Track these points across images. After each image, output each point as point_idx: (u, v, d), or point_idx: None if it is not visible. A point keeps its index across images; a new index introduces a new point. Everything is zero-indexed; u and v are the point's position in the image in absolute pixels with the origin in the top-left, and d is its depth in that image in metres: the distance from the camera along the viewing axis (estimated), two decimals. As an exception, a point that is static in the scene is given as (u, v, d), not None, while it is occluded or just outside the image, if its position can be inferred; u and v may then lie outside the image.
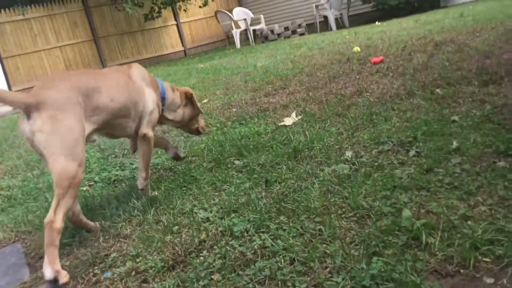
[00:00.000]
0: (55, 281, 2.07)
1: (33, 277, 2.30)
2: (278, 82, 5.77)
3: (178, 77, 8.91)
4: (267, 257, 1.98)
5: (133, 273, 2.10)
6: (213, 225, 2.36)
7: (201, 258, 2.09)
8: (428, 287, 1.58)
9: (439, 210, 2.03)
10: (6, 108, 8.95)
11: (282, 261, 1.91)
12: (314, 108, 4.16)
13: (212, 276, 1.93)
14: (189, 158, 3.58)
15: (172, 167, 3.47)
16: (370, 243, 1.89)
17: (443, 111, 3.25)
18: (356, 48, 6.81)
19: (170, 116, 3.18)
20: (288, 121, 3.90)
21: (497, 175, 2.22)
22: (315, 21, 13.90)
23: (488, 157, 2.44)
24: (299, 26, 13.31)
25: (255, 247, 2.06)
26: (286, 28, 13.29)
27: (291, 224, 2.19)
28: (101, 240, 2.48)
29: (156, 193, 2.92)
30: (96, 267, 2.23)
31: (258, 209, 2.38)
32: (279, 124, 3.86)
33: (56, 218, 2.13)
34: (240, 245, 2.11)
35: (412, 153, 2.69)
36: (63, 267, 2.28)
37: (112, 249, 2.37)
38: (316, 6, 13.63)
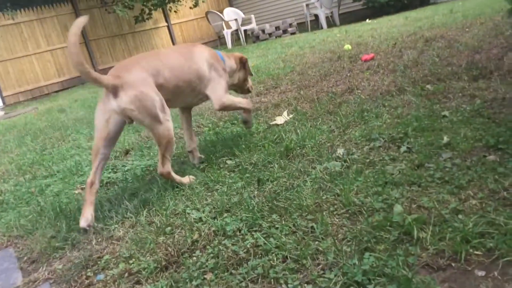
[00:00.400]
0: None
1: (25, 282, 2.28)
2: (270, 81, 5.77)
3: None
4: (260, 255, 1.98)
5: (126, 275, 2.10)
6: (205, 225, 2.35)
7: (194, 258, 2.09)
8: (420, 282, 1.59)
9: (430, 204, 2.04)
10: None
11: (275, 259, 1.91)
12: (306, 107, 4.17)
13: (205, 276, 1.93)
14: (182, 158, 3.57)
15: (165, 168, 3.46)
16: (362, 239, 1.90)
17: (433, 107, 3.27)
18: (347, 46, 6.83)
19: (229, 80, 3.48)
20: (279, 120, 3.90)
21: (487, 169, 2.23)
22: (306, 20, 13.93)
23: (478, 151, 2.46)
24: (290, 25, 13.32)
25: (248, 246, 2.06)
26: (277, 28, 13.30)
27: (283, 222, 2.19)
28: (93, 243, 2.47)
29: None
30: (89, 270, 2.22)
31: (251, 208, 2.38)
32: (271, 123, 3.86)
33: (164, 167, 2.83)
34: (232, 244, 2.11)
35: (403, 149, 2.70)
36: (54, 270, 2.28)
37: (105, 251, 2.36)
38: (307, 5, 13.66)
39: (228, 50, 12.35)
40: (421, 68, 4.45)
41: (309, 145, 3.11)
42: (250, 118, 3.59)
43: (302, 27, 14.06)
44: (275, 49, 9.47)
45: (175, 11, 14.61)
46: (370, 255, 1.77)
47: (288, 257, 1.90)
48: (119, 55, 14.20)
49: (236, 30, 13.93)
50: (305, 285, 1.73)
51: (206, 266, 1.99)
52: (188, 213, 2.52)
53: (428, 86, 3.76)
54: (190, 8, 14.73)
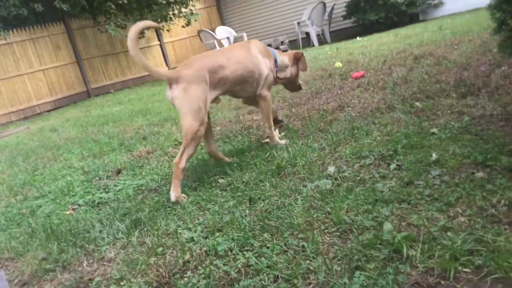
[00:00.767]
0: (177, 202, 2.97)
1: (16, 305, 2.27)
2: (261, 99, 5.80)
3: (162, 97, 8.92)
4: (251, 275, 1.98)
5: (117, 296, 2.09)
6: (197, 245, 2.35)
7: (185, 279, 2.08)
8: (409, 300, 1.60)
9: (419, 222, 2.05)
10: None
11: (266, 279, 1.92)
12: (297, 124, 4.20)
13: (197, 297, 1.93)
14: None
15: (157, 188, 3.46)
16: (353, 258, 1.91)
17: (422, 124, 3.30)
18: (338, 64, 6.90)
19: (281, 75, 3.86)
20: (271, 138, 3.91)
21: (475, 186, 2.25)
22: (297, 37, 14.07)
23: (466, 168, 2.48)
24: (282, 43, 13.44)
25: (239, 265, 2.06)
26: (269, 45, 13.37)
27: (274, 241, 2.20)
28: (84, 264, 2.47)
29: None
30: (80, 292, 2.21)
31: (242, 227, 2.39)
32: (263, 142, 3.88)
33: (181, 161, 3.07)
34: (224, 264, 2.11)
35: (393, 166, 2.73)
36: (46, 293, 2.27)
37: (96, 273, 2.35)
38: (298, 23, 13.80)
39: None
40: (410, 85, 4.51)
41: (300, 163, 3.13)
42: (272, 140, 3.73)
43: (293, 44, 14.19)
44: (267, 67, 9.52)
45: (167, 30, 14.70)
46: (361, 274, 1.78)
47: (280, 277, 1.91)
48: (111, 73, 14.24)
49: (228, 48, 14.01)
50: (296, 304, 1.73)
51: (198, 287, 1.99)
52: (180, 233, 2.52)
53: (417, 103, 3.81)
54: (183, 26, 14.82)
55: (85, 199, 3.57)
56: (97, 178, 4.11)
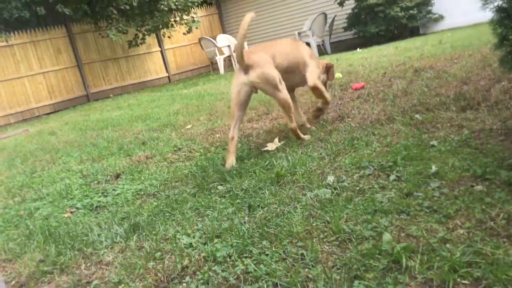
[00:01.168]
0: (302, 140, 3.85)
1: (12, 306, 2.27)
2: (261, 108, 5.83)
3: (162, 102, 8.94)
4: (250, 282, 1.98)
5: (115, 300, 2.09)
6: (196, 250, 2.36)
7: (184, 284, 2.08)
8: (408, 310, 1.60)
9: (418, 233, 2.06)
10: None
11: (265, 286, 1.92)
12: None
13: (195, 302, 1.93)
14: (172, 183, 3.58)
15: (155, 193, 3.47)
16: (352, 267, 1.91)
17: (422, 136, 3.32)
18: (338, 74, 6.93)
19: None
20: (271, 146, 3.93)
21: (474, 199, 2.26)
22: (297, 47, 14.10)
23: (466, 181, 2.49)
24: (282, 52, 13.46)
25: (238, 272, 2.07)
26: (269, 55, 13.45)
27: (273, 249, 2.20)
28: (82, 267, 2.46)
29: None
30: (77, 295, 2.21)
31: (241, 234, 2.39)
32: (262, 150, 3.89)
33: (291, 123, 3.78)
34: (223, 271, 2.11)
35: (392, 177, 2.74)
36: (43, 295, 2.27)
37: (94, 276, 2.35)
38: (299, 33, 13.86)
39: (220, 76, 12.46)
40: (410, 97, 4.53)
41: (300, 172, 3.14)
42: (325, 110, 4.38)
43: (294, 54, 14.21)
44: (267, 76, 9.55)
45: (168, 37, 14.76)
46: (360, 283, 1.79)
47: (278, 284, 1.91)
48: (111, 78, 14.27)
49: (229, 56, 14.09)
50: (295, 312, 1.73)
51: (196, 292, 1.99)
52: (179, 238, 2.52)
53: (417, 116, 3.83)
54: (184, 34, 14.87)
55: (84, 202, 3.57)
56: (95, 182, 4.11)
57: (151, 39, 15.00)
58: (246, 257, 2.18)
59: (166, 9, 13.23)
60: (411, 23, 12.53)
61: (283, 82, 3.71)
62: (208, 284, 2.03)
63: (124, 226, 2.84)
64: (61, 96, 13.09)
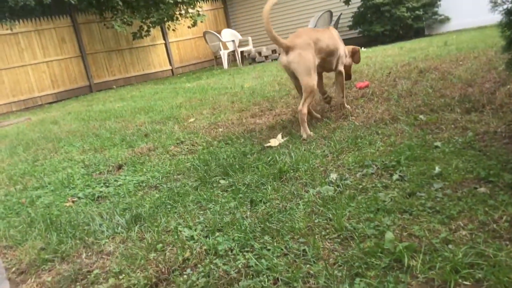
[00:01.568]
0: (309, 137, 3.91)
1: (13, 293, 2.27)
2: (265, 103, 5.83)
3: (165, 95, 8.93)
4: (251, 276, 1.99)
5: (116, 290, 2.09)
6: (197, 243, 2.36)
7: (185, 276, 2.09)
8: (409, 309, 1.60)
9: (421, 233, 2.06)
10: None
11: (266, 280, 1.92)
12: (300, 130, 4.20)
13: (196, 295, 1.93)
14: (174, 176, 3.58)
15: (157, 185, 3.47)
16: (353, 265, 1.92)
17: (426, 137, 3.32)
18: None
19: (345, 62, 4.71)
20: (274, 142, 3.93)
21: (477, 201, 2.27)
22: (302, 45, 14.07)
23: (469, 183, 2.49)
24: (287, 49, 13.46)
25: (239, 266, 2.07)
26: (274, 51, 13.45)
27: (275, 244, 2.20)
28: (83, 256, 2.47)
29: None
30: (78, 284, 2.21)
31: (243, 228, 2.40)
32: (265, 145, 3.89)
33: (303, 108, 3.98)
34: (224, 264, 2.12)
35: (395, 177, 2.74)
36: (43, 282, 2.27)
37: (95, 265, 2.36)
38: (304, 30, 13.81)
39: (224, 71, 12.45)
40: (414, 98, 4.52)
41: (303, 169, 3.14)
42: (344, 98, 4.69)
43: (298, 51, 14.18)
44: (271, 72, 9.56)
45: (173, 30, 14.73)
46: (361, 281, 1.79)
47: (280, 280, 1.91)
48: (115, 70, 14.25)
49: (233, 51, 14.07)
50: (295, 308, 1.73)
51: (197, 285, 1.99)
52: (180, 231, 2.53)
53: (421, 116, 3.82)
54: (189, 27, 14.85)
55: (85, 192, 3.57)
56: (97, 172, 4.11)
57: (155, 32, 14.98)
58: (247, 251, 2.19)
59: (172, 1, 13.20)
60: (417, 24, 12.51)
61: (315, 70, 4.04)
62: (209, 276, 2.03)
63: (125, 216, 2.85)
64: (64, 86, 13.09)
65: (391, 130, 3.66)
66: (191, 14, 14.32)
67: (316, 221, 2.37)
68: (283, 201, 2.68)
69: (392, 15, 12.25)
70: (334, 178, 2.88)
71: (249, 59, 13.95)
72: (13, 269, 2.52)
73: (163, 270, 2.15)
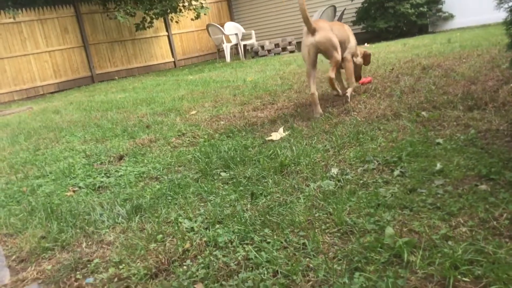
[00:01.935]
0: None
1: (13, 280, 2.27)
2: (267, 97, 5.83)
3: (167, 87, 8.93)
4: (251, 268, 1.99)
5: (116, 279, 2.09)
6: (197, 235, 2.37)
7: (185, 267, 2.09)
8: (408, 304, 1.61)
9: (421, 229, 2.07)
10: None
11: (266, 273, 1.93)
12: (302, 125, 4.21)
13: (195, 286, 1.94)
14: (175, 167, 3.58)
15: (158, 176, 3.47)
16: (353, 259, 1.92)
17: (428, 134, 3.32)
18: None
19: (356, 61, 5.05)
20: (275, 136, 3.93)
21: (478, 198, 2.27)
22: (305, 39, 14.03)
23: (470, 180, 2.49)
24: (290, 43, 13.45)
25: (239, 258, 2.07)
26: (277, 45, 13.42)
27: (275, 237, 2.21)
28: (84, 246, 2.47)
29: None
30: (78, 272, 2.22)
31: (243, 221, 2.40)
32: (267, 139, 3.89)
33: (331, 73, 4.48)
34: (224, 256, 2.12)
35: (396, 172, 2.74)
36: (43, 270, 2.28)
37: (95, 255, 2.36)
38: (307, 25, 13.78)
39: (226, 64, 12.43)
40: (417, 94, 4.52)
41: (304, 163, 3.14)
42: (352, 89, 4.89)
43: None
44: (274, 65, 9.55)
45: (176, 22, 14.70)
46: (360, 275, 1.79)
47: (279, 272, 1.92)
48: (117, 60, 14.24)
49: (236, 44, 14.03)
50: (294, 300, 1.74)
51: (197, 276, 2.00)
52: (180, 222, 2.53)
53: (424, 113, 3.82)
54: (192, 19, 14.81)
55: (86, 182, 3.58)
56: (98, 162, 4.11)
57: (158, 23, 14.96)
58: (247, 244, 2.19)
59: (175, -7, 13.18)
60: (421, 21, 12.47)
61: (339, 47, 4.50)
62: (208, 268, 2.04)
63: (126, 207, 2.85)
64: (66, 76, 13.08)
65: (393, 126, 3.66)
66: (194, 6, 14.30)
67: (316, 215, 2.37)
68: (284, 195, 2.68)
69: (396, 12, 12.21)
70: (335, 173, 2.88)
71: (251, 53, 13.91)
72: (13, 257, 2.53)
73: (163, 261, 2.15)
